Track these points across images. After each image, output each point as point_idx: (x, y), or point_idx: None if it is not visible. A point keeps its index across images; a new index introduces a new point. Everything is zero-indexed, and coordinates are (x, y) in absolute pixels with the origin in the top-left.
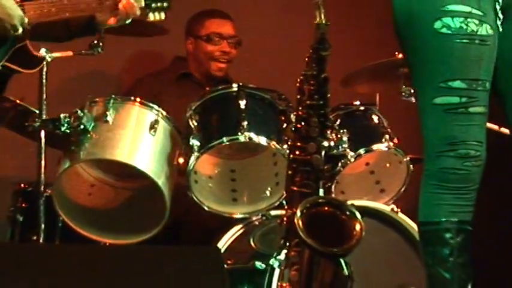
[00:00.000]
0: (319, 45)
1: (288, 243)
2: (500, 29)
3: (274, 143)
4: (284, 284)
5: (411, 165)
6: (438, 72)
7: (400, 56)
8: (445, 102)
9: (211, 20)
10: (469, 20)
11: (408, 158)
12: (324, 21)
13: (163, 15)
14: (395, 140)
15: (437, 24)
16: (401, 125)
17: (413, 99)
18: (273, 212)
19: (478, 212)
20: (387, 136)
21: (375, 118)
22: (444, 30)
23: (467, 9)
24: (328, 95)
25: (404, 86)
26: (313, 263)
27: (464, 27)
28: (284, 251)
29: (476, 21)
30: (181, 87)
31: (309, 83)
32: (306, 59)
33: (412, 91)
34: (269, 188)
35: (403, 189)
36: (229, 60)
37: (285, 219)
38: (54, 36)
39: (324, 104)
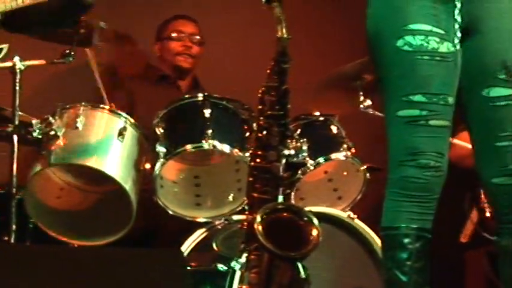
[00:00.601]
0: (280, 58)
1: (248, 247)
2: (458, 47)
3: (237, 150)
4: (244, 287)
5: (368, 174)
6: (401, 87)
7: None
8: (406, 115)
9: (174, 22)
10: (429, 37)
11: (365, 167)
12: (285, 35)
13: None
14: (353, 150)
15: (400, 42)
16: (359, 135)
17: (370, 111)
18: (235, 217)
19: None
20: (345, 146)
21: (334, 128)
22: (406, 47)
23: (428, 27)
24: (288, 106)
25: (362, 98)
26: (271, 266)
27: (425, 44)
28: (244, 255)
29: (437, 39)
30: (160, 90)
31: (270, 94)
32: (268, 71)
33: (370, 103)
34: (232, 194)
35: (359, 196)
36: (193, 56)
37: (245, 224)
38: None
39: (284, 114)
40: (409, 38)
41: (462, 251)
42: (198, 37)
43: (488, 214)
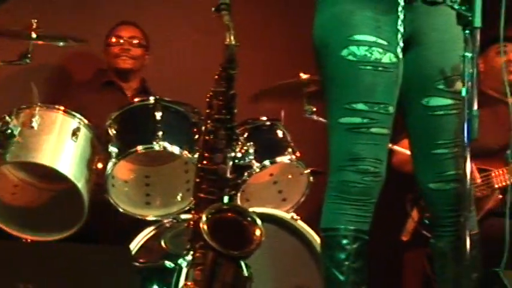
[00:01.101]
0: (228, 65)
1: (193, 245)
2: (401, 56)
3: (186, 152)
4: (189, 283)
5: (311, 177)
6: (344, 95)
7: (304, 76)
8: (348, 122)
9: (115, 28)
10: (373, 48)
11: (308, 171)
12: (233, 42)
13: None
14: (298, 154)
15: (344, 52)
16: (303, 140)
17: (314, 117)
18: (183, 216)
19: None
20: (290, 150)
21: (280, 133)
22: (350, 57)
23: (372, 38)
24: (235, 110)
25: (307, 105)
26: (216, 264)
27: (369, 55)
28: (190, 252)
29: (380, 50)
30: (105, 95)
31: (217, 99)
32: (216, 77)
33: (314, 109)
34: (180, 194)
35: (303, 199)
36: (133, 57)
37: (191, 223)
38: None
39: (231, 118)
40: (353, 48)
41: (402, 251)
42: (136, 40)
43: (428, 214)
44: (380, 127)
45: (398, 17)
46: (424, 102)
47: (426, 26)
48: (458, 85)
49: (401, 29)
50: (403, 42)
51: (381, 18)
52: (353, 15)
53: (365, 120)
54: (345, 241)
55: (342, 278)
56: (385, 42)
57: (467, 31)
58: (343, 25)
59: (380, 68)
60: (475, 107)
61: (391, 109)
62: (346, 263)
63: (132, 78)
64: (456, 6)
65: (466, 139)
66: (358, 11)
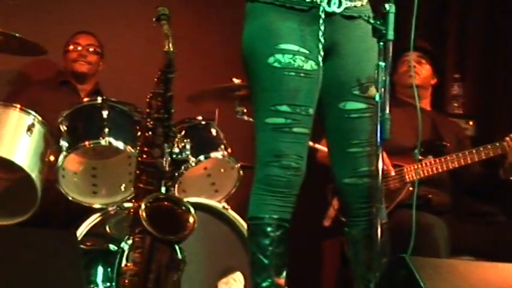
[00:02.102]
0: (167, 69)
1: (133, 231)
2: (321, 64)
3: (129, 147)
4: (128, 264)
5: (241, 171)
6: (270, 98)
7: (236, 81)
8: (273, 122)
9: (74, 36)
10: (296, 56)
11: (239, 165)
12: (171, 49)
13: None
14: (229, 150)
15: (271, 59)
16: (235, 138)
17: (245, 118)
18: (126, 204)
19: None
20: (223, 146)
21: (214, 131)
22: (276, 64)
23: (295, 48)
24: (172, 110)
25: (238, 106)
26: (153, 248)
27: (292, 62)
28: (130, 237)
29: (303, 58)
30: (61, 94)
31: (156, 100)
32: (155, 80)
33: (245, 110)
34: (124, 184)
35: (233, 190)
36: (90, 63)
37: (132, 210)
38: None
39: (169, 117)
40: (279, 56)
41: (322, 239)
42: (92, 48)
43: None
44: (301, 127)
45: (319, 29)
46: (340, 106)
47: (343, 38)
48: (372, 91)
49: (322, 39)
50: (324, 51)
51: (305, 29)
52: (279, 26)
53: (288, 121)
54: (269, 229)
55: (266, 261)
56: (307, 51)
57: (381, 43)
58: (270, 35)
59: (302, 74)
60: (387, 110)
61: (311, 111)
62: (270, 248)
63: (86, 81)
64: (372, 21)
65: (379, 139)
66: (284, 23)
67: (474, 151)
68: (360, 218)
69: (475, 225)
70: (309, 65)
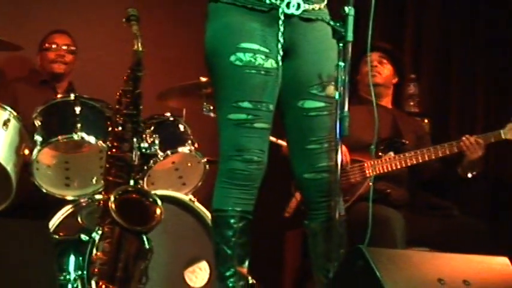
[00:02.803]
0: (136, 68)
1: (103, 221)
2: (280, 63)
3: (101, 142)
4: (98, 253)
5: (207, 165)
6: (232, 95)
7: (203, 79)
8: (236, 118)
9: (51, 35)
10: (257, 55)
11: (205, 160)
12: (140, 49)
13: None
14: (196, 145)
15: (232, 58)
16: (202, 134)
17: (211, 114)
18: (97, 196)
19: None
20: (190, 141)
21: (181, 127)
22: (237, 62)
23: (256, 46)
24: (141, 107)
25: (205, 103)
26: (121, 238)
27: (253, 60)
28: (101, 227)
29: (263, 57)
30: (40, 93)
31: (126, 97)
32: (125, 78)
33: (211, 107)
34: (95, 177)
35: (200, 183)
36: (66, 63)
37: (101, 202)
38: None
39: (137, 113)
40: (240, 55)
41: (284, 230)
42: (69, 47)
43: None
44: (263, 122)
45: (279, 29)
46: (299, 104)
47: (302, 39)
48: (330, 90)
49: (281, 39)
50: (283, 51)
51: (265, 29)
52: (241, 26)
53: (250, 117)
54: (232, 220)
55: (229, 252)
56: (267, 50)
57: (341, 44)
58: (232, 34)
59: (263, 72)
60: (346, 108)
61: (272, 107)
62: (233, 239)
63: (63, 79)
64: (332, 23)
65: (338, 136)
66: (246, 22)
67: (432, 149)
68: (319, 211)
69: (430, 218)
70: (269, 63)
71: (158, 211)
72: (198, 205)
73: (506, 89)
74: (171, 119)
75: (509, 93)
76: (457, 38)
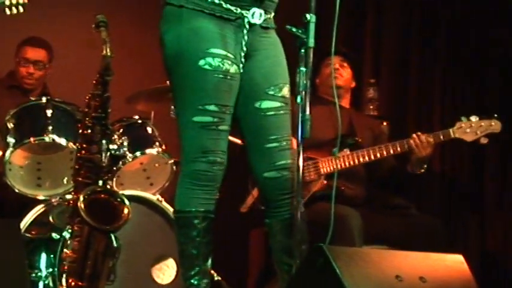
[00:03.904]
0: (104, 72)
1: (73, 221)
2: (241, 70)
3: (71, 144)
4: (68, 251)
5: (174, 166)
6: (199, 98)
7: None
8: (201, 121)
9: (23, 47)
10: (225, 60)
11: (172, 161)
12: (109, 54)
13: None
14: (164, 147)
15: (201, 62)
16: (169, 135)
17: None
18: (68, 196)
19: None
20: (157, 143)
21: (149, 129)
22: (206, 66)
23: (223, 52)
24: (109, 110)
25: (172, 107)
26: (90, 236)
27: (221, 65)
28: (70, 226)
29: (229, 62)
30: (13, 96)
31: (95, 100)
32: (94, 82)
33: None
34: (66, 178)
35: (167, 184)
36: (36, 79)
37: (71, 202)
38: None
39: (106, 116)
40: (209, 59)
41: (248, 229)
42: (41, 63)
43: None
44: (225, 125)
45: (243, 38)
46: (256, 105)
47: (261, 45)
48: (285, 90)
49: (244, 48)
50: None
51: (231, 37)
52: (210, 32)
53: (215, 119)
54: (196, 221)
55: (194, 251)
56: (232, 56)
57: (302, 50)
58: (201, 39)
59: (228, 77)
60: (307, 111)
61: (232, 110)
62: (198, 239)
63: (35, 90)
64: (294, 29)
65: (299, 138)
66: (214, 29)
67: (383, 146)
68: (281, 209)
69: (388, 217)
70: (234, 69)
71: (126, 210)
72: (165, 204)
73: (461, 92)
74: (140, 121)
75: (464, 96)
76: (415, 46)
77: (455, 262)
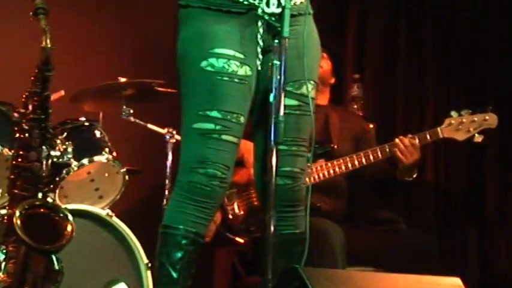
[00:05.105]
0: (44, 67)
1: (7, 240)
2: (258, 69)
3: (6, 149)
4: (2, 275)
5: (127, 176)
6: (200, 103)
7: (123, 79)
8: (201, 128)
9: None
10: (231, 61)
11: (125, 170)
12: (49, 45)
13: None
14: (114, 153)
15: (203, 63)
16: (121, 140)
17: (132, 119)
18: (2, 211)
19: None
20: (107, 149)
21: (98, 133)
22: (209, 68)
23: (231, 52)
24: (50, 110)
25: (125, 107)
26: (28, 258)
27: (226, 67)
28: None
29: (238, 63)
30: None
31: (33, 99)
32: (32, 78)
33: (132, 111)
34: (0, 190)
35: (118, 196)
36: None
37: (6, 218)
38: None
39: (46, 118)
40: (212, 60)
41: (212, 248)
42: None
43: (230, 216)
44: (230, 135)
45: (258, 31)
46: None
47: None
48: (305, 88)
49: (260, 42)
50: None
51: (243, 32)
52: (215, 30)
53: (217, 127)
54: (184, 241)
55: (175, 275)
56: (243, 56)
57: (276, 41)
58: (205, 39)
59: (236, 80)
60: (281, 112)
61: (243, 119)
62: (181, 262)
63: None
64: (266, 17)
65: (272, 142)
66: (220, 26)
67: (362, 154)
68: (279, 223)
69: (374, 233)
70: (243, 71)
71: (69, 227)
72: (116, 220)
73: (457, 87)
74: (86, 124)
75: (461, 91)
76: (404, 33)
77: (452, 286)
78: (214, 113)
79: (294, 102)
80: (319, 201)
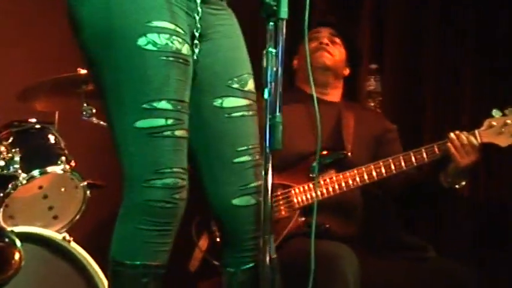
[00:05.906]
0: None
1: None
2: (195, 57)
3: None
4: None
5: (88, 191)
6: (142, 92)
7: (83, 71)
8: (149, 126)
9: None
10: (174, 37)
11: (85, 183)
12: None
13: None
14: (73, 163)
15: (142, 41)
16: (81, 147)
17: (94, 120)
18: None
19: None
20: (64, 158)
21: (52, 138)
22: (149, 46)
23: (172, 26)
24: None
25: (85, 105)
26: None
27: (170, 44)
28: None
29: (180, 40)
30: None
31: None
32: None
33: (94, 111)
34: None
35: (78, 216)
36: None
37: None
38: None
39: None
40: (153, 36)
41: (195, 280)
42: None
43: (218, 239)
44: (184, 129)
45: (196, 9)
46: (217, 103)
47: (214, 20)
48: (251, 84)
49: (198, 24)
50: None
51: (179, 5)
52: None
53: (169, 122)
54: (145, 279)
55: None
56: (183, 32)
57: (271, 23)
58: (137, 8)
59: (181, 60)
60: (278, 112)
61: (189, 109)
62: None
63: None
64: None
65: (267, 149)
66: None
67: (382, 163)
68: (247, 254)
69: (396, 261)
70: (186, 49)
71: (17, 255)
72: (75, 246)
73: (502, 82)
74: (38, 126)
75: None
76: (433, 14)
77: None
78: (163, 104)
79: (244, 102)
80: (329, 221)
